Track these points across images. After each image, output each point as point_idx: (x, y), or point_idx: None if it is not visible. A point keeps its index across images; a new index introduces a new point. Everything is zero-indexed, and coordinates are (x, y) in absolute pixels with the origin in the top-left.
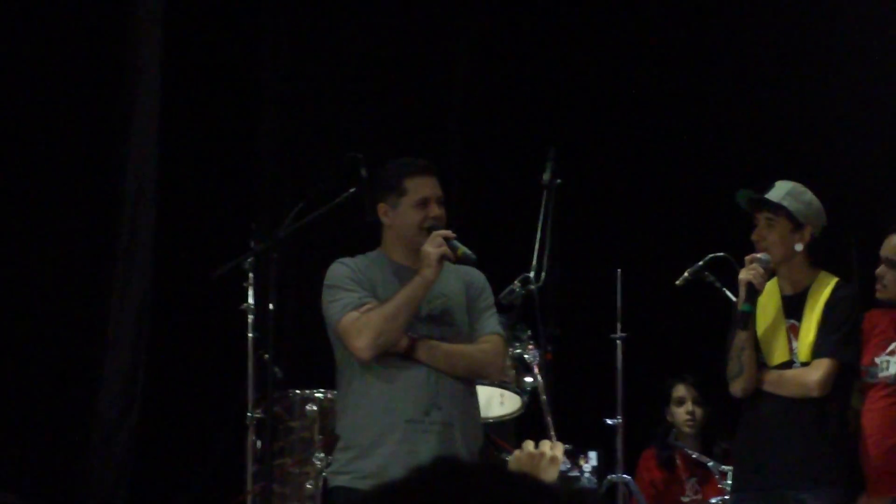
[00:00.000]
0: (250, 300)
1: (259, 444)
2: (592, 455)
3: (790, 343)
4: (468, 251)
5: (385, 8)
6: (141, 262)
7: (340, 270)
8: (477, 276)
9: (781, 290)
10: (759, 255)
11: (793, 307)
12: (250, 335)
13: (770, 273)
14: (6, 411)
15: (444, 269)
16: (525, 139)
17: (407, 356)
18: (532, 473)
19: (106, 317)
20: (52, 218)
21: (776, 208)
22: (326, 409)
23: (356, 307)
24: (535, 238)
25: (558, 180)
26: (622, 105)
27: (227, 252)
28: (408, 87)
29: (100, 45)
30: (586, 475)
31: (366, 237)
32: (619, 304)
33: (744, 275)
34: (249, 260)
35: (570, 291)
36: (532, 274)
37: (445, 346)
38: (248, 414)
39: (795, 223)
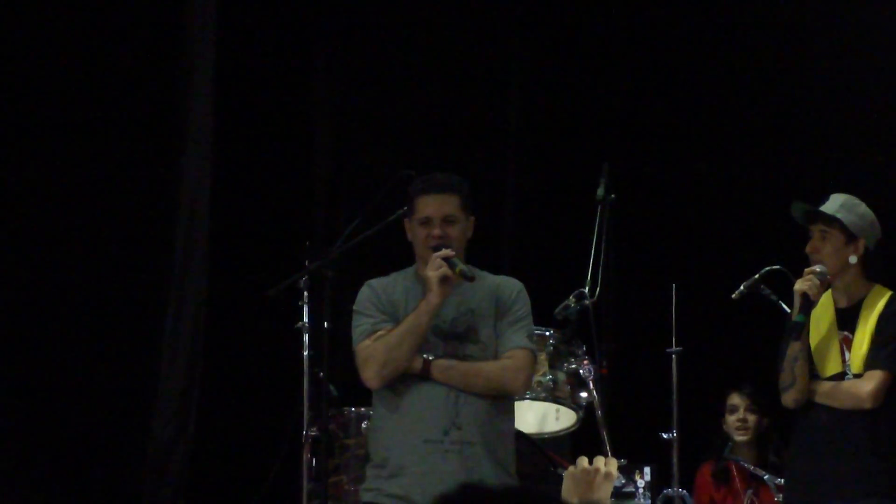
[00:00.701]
0: (305, 319)
1: (314, 462)
2: (647, 470)
3: (843, 355)
4: (465, 269)
5: (440, 23)
6: (195, 281)
7: (364, 294)
8: (508, 290)
9: (836, 303)
10: (816, 268)
11: (847, 319)
12: (305, 353)
13: (826, 285)
14: (62, 432)
15: (476, 282)
16: (579, 155)
17: (424, 378)
18: (588, 489)
19: (161, 336)
20: (106, 238)
21: (830, 220)
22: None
23: (369, 334)
24: (590, 253)
25: (612, 195)
26: (676, 120)
27: (281, 271)
28: (463, 104)
29: (155, 60)
30: (640, 490)
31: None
32: (674, 318)
33: (799, 285)
34: (304, 278)
35: (625, 306)
36: (587, 289)
37: (463, 365)
38: (304, 432)
39: (849, 235)
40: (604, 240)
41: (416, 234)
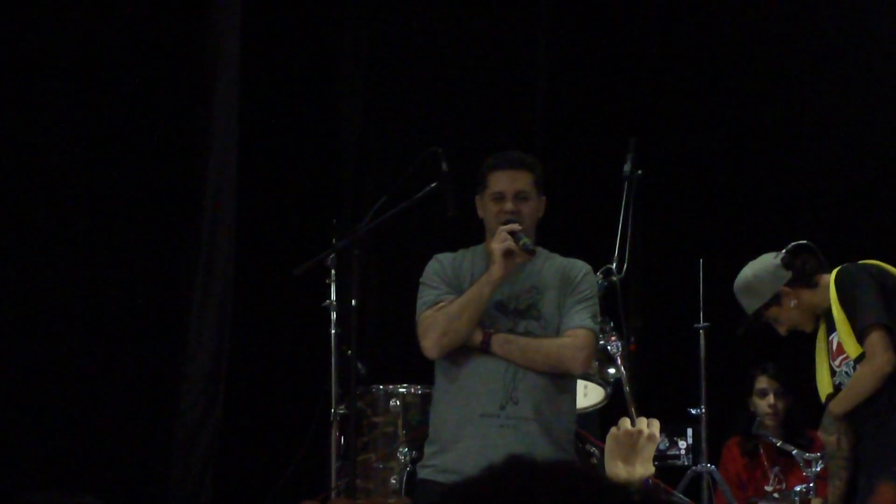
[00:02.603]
0: (333, 297)
1: (343, 439)
2: (689, 432)
3: (831, 367)
4: (528, 242)
5: None
6: (222, 259)
7: (431, 267)
8: (575, 269)
9: (822, 310)
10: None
11: (831, 323)
12: (333, 331)
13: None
14: (89, 412)
15: (544, 261)
16: (606, 130)
17: (484, 351)
18: (630, 452)
19: (188, 315)
20: (132, 218)
21: (756, 318)
22: (410, 404)
23: (432, 305)
24: (617, 229)
25: (639, 171)
26: (703, 95)
27: (308, 249)
28: (489, 80)
29: (180, 41)
30: (682, 452)
31: (447, 232)
32: (701, 293)
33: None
34: (331, 256)
35: (653, 282)
36: (614, 265)
37: (522, 339)
38: (332, 410)
39: (773, 301)
40: (631, 216)
41: (487, 209)
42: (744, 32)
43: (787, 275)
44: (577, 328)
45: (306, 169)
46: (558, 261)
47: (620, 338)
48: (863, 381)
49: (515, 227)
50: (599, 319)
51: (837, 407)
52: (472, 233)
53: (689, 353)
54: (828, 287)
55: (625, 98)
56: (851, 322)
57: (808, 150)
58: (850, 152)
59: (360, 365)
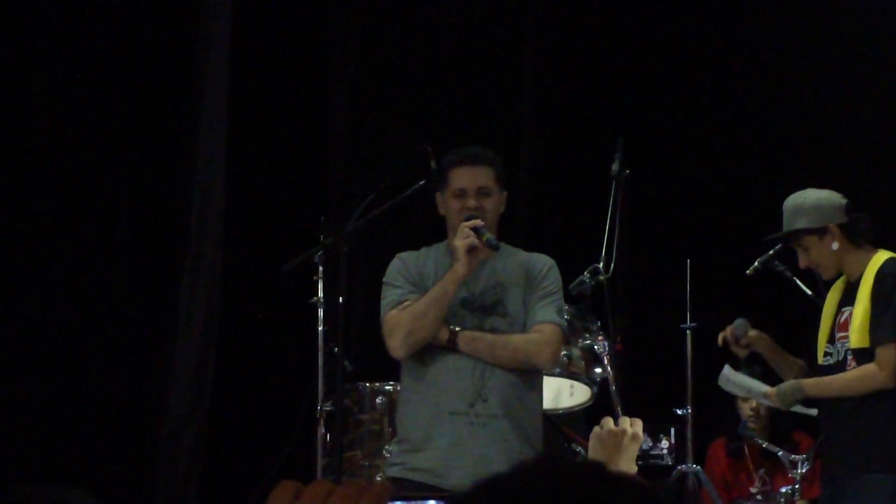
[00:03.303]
0: (320, 294)
1: (329, 436)
2: (672, 432)
3: (833, 334)
4: (491, 238)
5: None
6: (210, 256)
7: (394, 266)
8: (539, 264)
9: (848, 279)
10: (736, 323)
11: (850, 295)
12: (320, 328)
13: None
14: (76, 406)
15: (507, 256)
16: (594, 130)
17: (451, 349)
18: (614, 451)
19: (175, 311)
20: (120, 211)
21: (793, 237)
22: (396, 402)
23: (396, 304)
24: (605, 229)
25: (627, 171)
26: (691, 95)
27: (296, 246)
28: (477, 79)
29: (170, 32)
30: (665, 451)
31: (436, 230)
32: (688, 293)
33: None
34: (319, 253)
35: (640, 282)
36: (601, 265)
37: (489, 336)
38: (318, 407)
39: (818, 231)
40: (618, 215)
41: (449, 206)
42: (731, 32)
43: (844, 219)
44: (544, 323)
45: (294, 166)
46: (521, 256)
47: (607, 337)
48: (856, 384)
49: (478, 222)
50: (566, 313)
51: (813, 391)
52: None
53: (676, 353)
54: (866, 257)
55: (612, 98)
56: (873, 320)
57: (795, 150)
58: (838, 152)
59: (346, 362)
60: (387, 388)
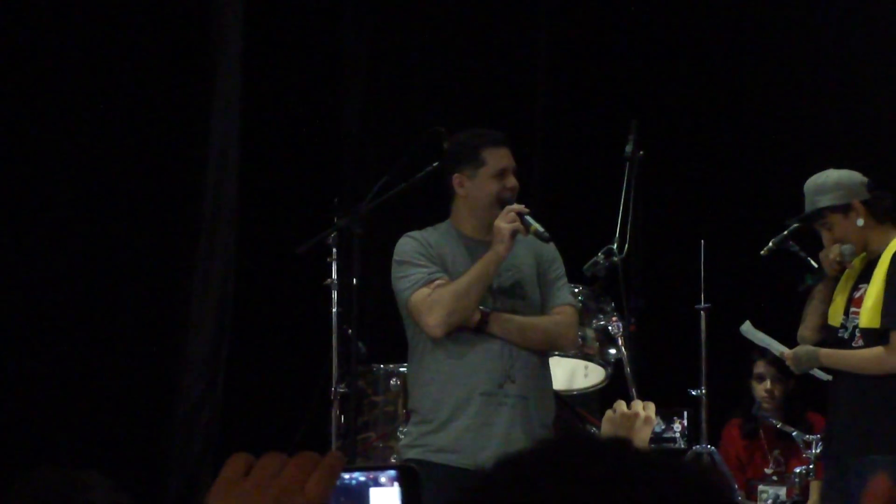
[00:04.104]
0: (334, 275)
1: (343, 418)
2: (685, 414)
3: (847, 308)
4: (541, 228)
5: None
6: (224, 238)
7: (410, 245)
8: (547, 248)
9: (868, 255)
10: (843, 248)
11: (868, 272)
12: (334, 310)
13: (855, 256)
14: (90, 388)
15: (517, 240)
16: (608, 111)
17: (479, 330)
18: (626, 434)
19: (189, 293)
20: (134, 194)
21: (816, 216)
22: (412, 382)
23: (426, 283)
24: (619, 210)
25: (641, 152)
26: (705, 76)
27: (310, 228)
28: (491, 60)
29: (184, 16)
30: (678, 435)
31: (448, 212)
32: (702, 274)
33: (823, 255)
34: (333, 235)
35: (654, 263)
36: (615, 246)
37: (518, 318)
38: (332, 389)
39: (842, 208)
40: (632, 196)
41: (484, 186)
42: (747, 13)
43: (867, 195)
44: (564, 305)
45: (308, 148)
46: (523, 238)
47: (621, 318)
48: (870, 363)
49: (524, 209)
50: (580, 294)
51: (828, 361)
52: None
53: (690, 334)
54: (888, 235)
55: (626, 79)
56: (886, 305)
57: (810, 130)
58: (852, 132)
59: (360, 344)
60: (401, 369)
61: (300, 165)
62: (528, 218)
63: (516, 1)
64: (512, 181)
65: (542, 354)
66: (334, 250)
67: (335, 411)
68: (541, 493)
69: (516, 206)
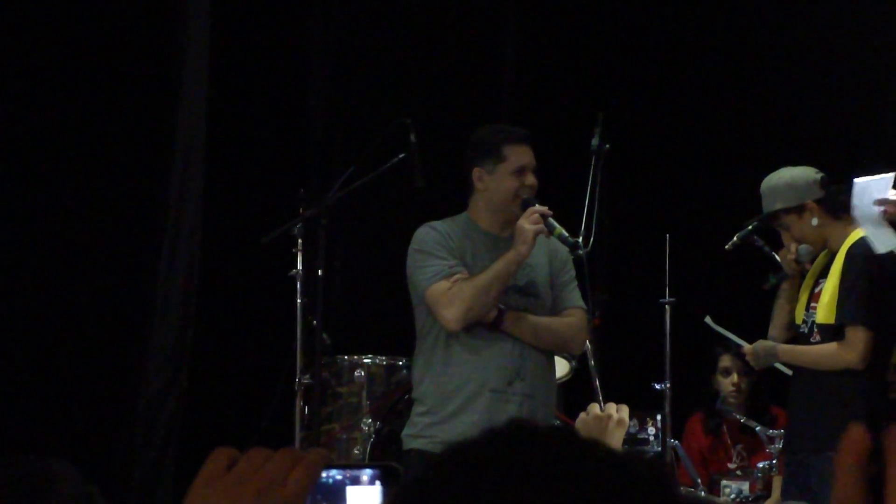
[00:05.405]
0: (299, 266)
1: (307, 409)
2: (659, 418)
3: (808, 303)
4: (565, 232)
5: None
6: (189, 227)
7: (431, 235)
8: (560, 249)
9: (829, 251)
10: (800, 248)
11: (828, 267)
12: (299, 301)
13: (814, 256)
14: (53, 377)
15: None
16: (574, 104)
17: (494, 327)
18: (600, 437)
19: (154, 283)
20: (99, 184)
21: (773, 217)
22: (374, 375)
23: (446, 276)
24: (584, 204)
25: (607, 146)
26: (670, 70)
27: (275, 218)
28: (458, 52)
29: (148, 11)
30: (651, 437)
31: (415, 203)
32: (667, 268)
33: (782, 255)
34: (298, 226)
35: (619, 257)
36: (580, 239)
37: (532, 318)
38: (297, 380)
39: (796, 210)
40: (598, 190)
41: (502, 182)
42: (712, 8)
43: (820, 194)
44: (576, 307)
45: (274, 138)
46: (542, 238)
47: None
48: (827, 359)
49: (548, 211)
50: None
51: (786, 356)
52: (438, 203)
53: (655, 328)
54: (846, 230)
55: (592, 72)
56: (840, 300)
57: (776, 125)
58: (819, 129)
59: (325, 335)
60: (365, 360)
61: (266, 155)
62: (552, 220)
63: None
64: (531, 179)
65: (549, 354)
66: (300, 241)
67: (299, 402)
68: (481, 482)
69: (540, 208)
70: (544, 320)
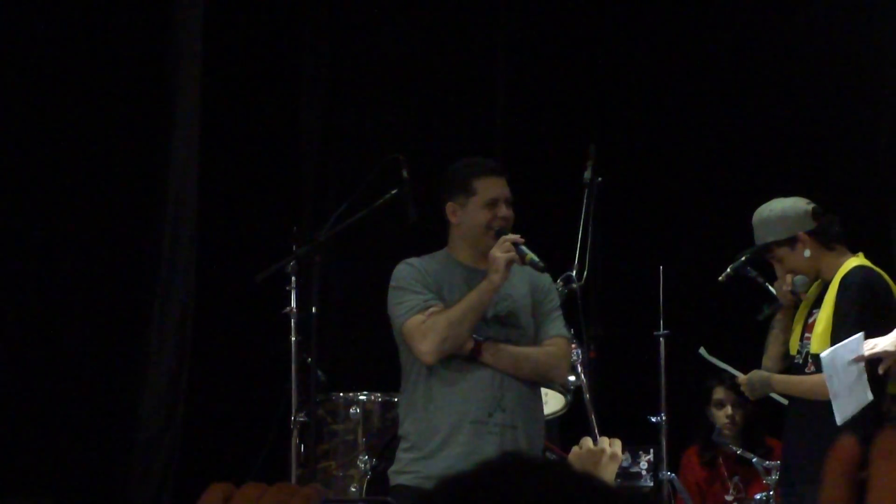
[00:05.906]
0: (293, 304)
1: (303, 447)
2: (652, 451)
3: (803, 334)
4: (536, 258)
5: (425, 4)
6: (183, 266)
7: (406, 271)
8: (543, 279)
9: (823, 281)
10: (795, 279)
11: (822, 297)
12: (293, 339)
13: (808, 286)
14: (50, 416)
15: (513, 269)
16: (566, 137)
17: (472, 358)
18: (592, 471)
19: (149, 321)
20: (94, 222)
21: (765, 250)
22: (370, 412)
23: (422, 310)
24: (577, 236)
25: (599, 178)
26: (663, 102)
27: (269, 256)
28: (449, 87)
29: (142, 45)
30: (644, 471)
31: (408, 239)
32: (661, 301)
33: (777, 286)
34: (292, 263)
35: (613, 289)
36: (574, 272)
37: (511, 348)
38: (292, 418)
39: (788, 241)
40: (591, 223)
41: (474, 216)
42: (703, 40)
43: (812, 225)
44: (557, 337)
45: (267, 175)
46: (519, 267)
47: (580, 345)
48: (817, 388)
49: (519, 238)
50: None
51: (780, 387)
52: (433, 239)
53: (650, 360)
54: (839, 260)
55: (585, 105)
56: (834, 331)
57: (767, 157)
58: (812, 159)
59: (320, 372)
60: (360, 397)
61: (259, 193)
62: (524, 248)
63: (474, 27)
64: (503, 211)
65: (532, 384)
66: (293, 278)
67: (295, 440)
68: None
69: (511, 236)
70: (524, 350)
